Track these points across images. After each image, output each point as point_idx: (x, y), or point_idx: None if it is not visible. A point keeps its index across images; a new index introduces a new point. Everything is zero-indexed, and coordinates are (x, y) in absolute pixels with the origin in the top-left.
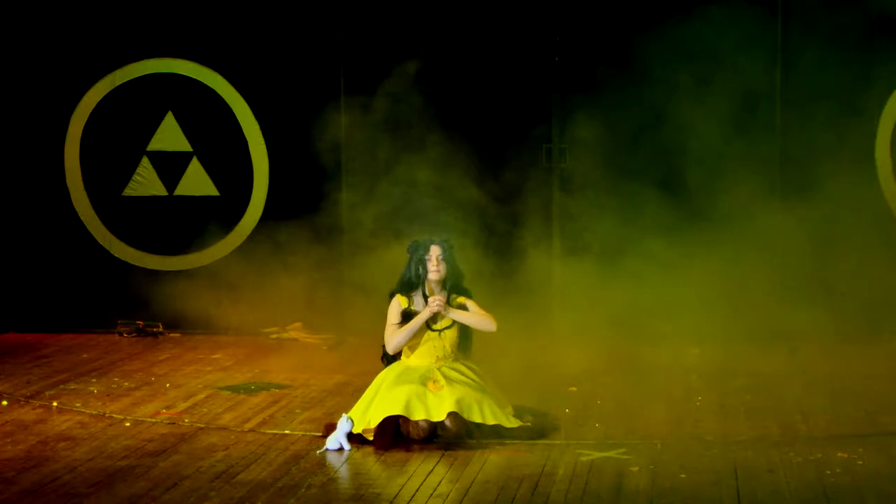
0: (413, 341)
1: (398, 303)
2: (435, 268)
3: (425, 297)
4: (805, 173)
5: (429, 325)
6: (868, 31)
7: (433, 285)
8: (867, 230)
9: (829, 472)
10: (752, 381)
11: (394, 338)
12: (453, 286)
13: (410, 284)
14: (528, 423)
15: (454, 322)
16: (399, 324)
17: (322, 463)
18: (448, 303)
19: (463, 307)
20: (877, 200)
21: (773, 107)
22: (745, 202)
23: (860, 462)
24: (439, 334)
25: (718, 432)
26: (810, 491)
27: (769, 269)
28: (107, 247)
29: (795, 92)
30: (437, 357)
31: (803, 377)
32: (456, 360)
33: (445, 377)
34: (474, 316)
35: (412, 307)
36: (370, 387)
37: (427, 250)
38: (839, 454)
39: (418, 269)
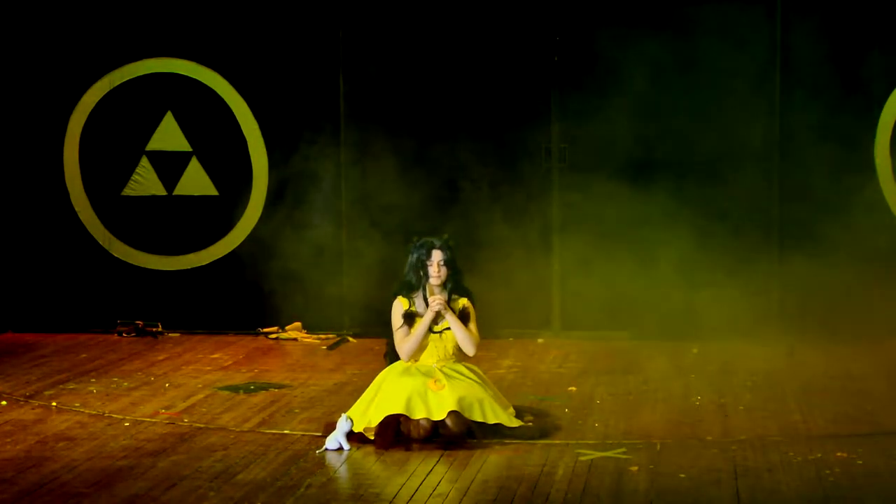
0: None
1: (400, 305)
2: (436, 273)
3: (426, 299)
4: (804, 173)
5: (429, 326)
6: (867, 31)
7: (434, 288)
8: (867, 230)
9: (828, 471)
10: (752, 381)
11: (404, 346)
12: (454, 286)
13: (411, 286)
14: (529, 424)
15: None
16: (402, 326)
17: (321, 463)
18: (449, 303)
19: (465, 312)
20: (877, 201)
21: (772, 106)
22: (745, 201)
23: (860, 462)
24: (440, 335)
25: (718, 432)
26: (810, 491)
27: (768, 267)
28: (106, 246)
29: (794, 91)
30: (439, 358)
31: (803, 377)
32: (457, 361)
33: (446, 376)
34: (462, 331)
35: (413, 307)
36: (371, 386)
37: (429, 254)
38: (839, 454)
39: (419, 272)
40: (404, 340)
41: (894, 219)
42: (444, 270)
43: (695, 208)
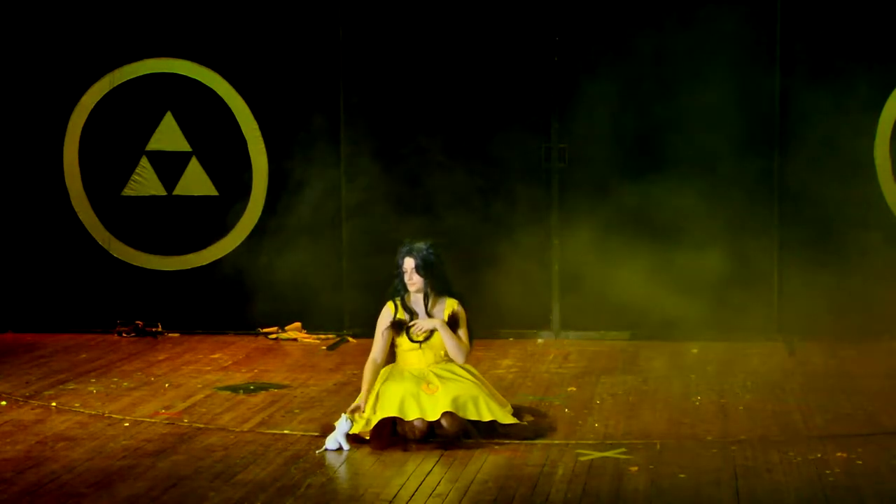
0: (398, 351)
1: (388, 311)
2: (409, 280)
3: (406, 308)
4: (804, 173)
5: (410, 337)
6: (867, 30)
7: (412, 296)
8: (867, 230)
9: (828, 471)
10: (752, 381)
11: (368, 365)
12: (439, 291)
13: (397, 290)
14: (526, 423)
15: (434, 331)
16: (386, 330)
17: (321, 463)
18: (427, 311)
19: (454, 318)
20: (877, 200)
21: (771, 106)
22: (745, 201)
23: (860, 462)
24: (420, 346)
25: (718, 432)
26: (810, 491)
27: (768, 267)
28: (106, 247)
29: (794, 91)
30: (429, 362)
31: (803, 377)
32: (449, 360)
33: (438, 377)
34: (452, 340)
35: (401, 315)
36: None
37: (402, 261)
38: (839, 454)
39: (400, 279)
40: (369, 366)
41: (894, 219)
42: (416, 278)
43: (695, 208)
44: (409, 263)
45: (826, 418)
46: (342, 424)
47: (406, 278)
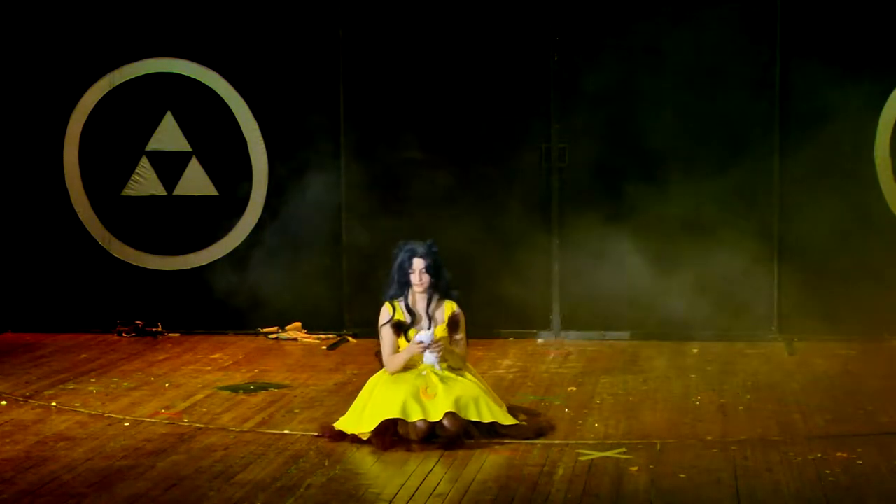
0: (397, 351)
1: (387, 312)
2: (418, 281)
3: (409, 309)
4: (804, 172)
5: (408, 339)
6: (868, 30)
7: (416, 296)
8: (866, 230)
9: (828, 471)
10: (752, 381)
11: (389, 366)
12: (442, 293)
13: (397, 292)
14: (523, 422)
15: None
16: (389, 333)
17: (321, 463)
18: (428, 313)
19: (455, 320)
20: (877, 200)
21: (772, 106)
22: (745, 201)
23: (860, 462)
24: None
25: (718, 432)
26: (810, 491)
27: (769, 267)
28: (106, 247)
29: (794, 91)
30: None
31: (803, 377)
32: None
33: (439, 377)
34: (456, 358)
35: (400, 315)
36: (363, 391)
37: (410, 262)
38: (839, 454)
39: (403, 279)
40: (391, 359)
41: (894, 219)
42: (425, 278)
43: (694, 208)
44: (418, 264)
45: (826, 418)
46: (423, 335)
47: (415, 278)
